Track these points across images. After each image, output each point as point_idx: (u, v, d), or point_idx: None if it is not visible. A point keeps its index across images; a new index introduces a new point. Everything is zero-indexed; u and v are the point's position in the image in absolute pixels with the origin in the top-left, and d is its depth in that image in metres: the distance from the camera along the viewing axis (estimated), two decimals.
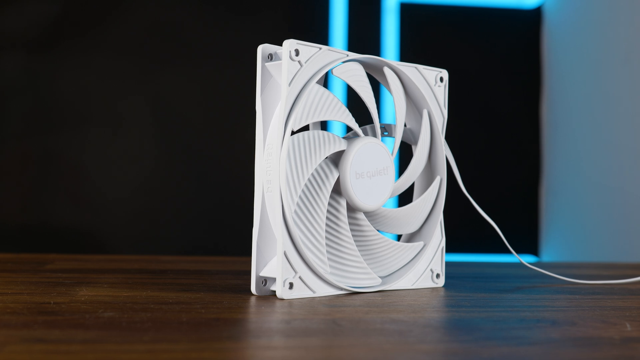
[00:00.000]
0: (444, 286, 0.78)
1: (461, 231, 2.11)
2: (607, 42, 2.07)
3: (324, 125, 0.74)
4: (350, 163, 0.70)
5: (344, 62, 0.71)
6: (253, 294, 0.68)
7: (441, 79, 0.79)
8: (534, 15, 2.50)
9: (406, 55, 2.43)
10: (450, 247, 2.29)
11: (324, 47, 0.69)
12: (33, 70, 2.28)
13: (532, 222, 2.51)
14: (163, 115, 2.31)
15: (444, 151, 0.79)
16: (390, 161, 0.73)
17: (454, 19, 2.49)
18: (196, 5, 2.36)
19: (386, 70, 0.74)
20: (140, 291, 0.68)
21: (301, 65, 0.67)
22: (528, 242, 2.51)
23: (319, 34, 2.40)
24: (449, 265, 1.01)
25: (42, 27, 2.28)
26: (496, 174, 2.47)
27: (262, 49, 0.68)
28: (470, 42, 2.49)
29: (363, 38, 2.44)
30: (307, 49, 0.67)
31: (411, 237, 0.79)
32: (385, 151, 0.72)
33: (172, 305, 0.60)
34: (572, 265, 1.24)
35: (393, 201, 2.06)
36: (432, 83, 0.78)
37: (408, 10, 2.46)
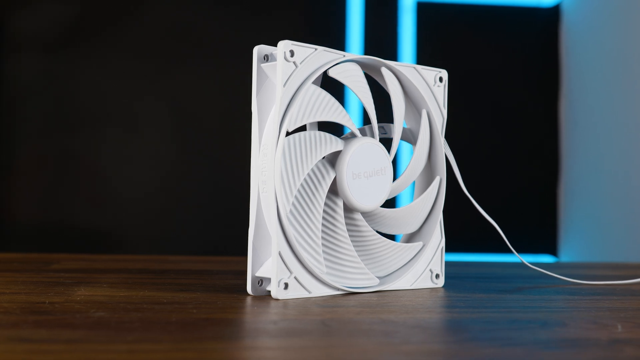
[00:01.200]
0: (443, 286, 0.78)
1: (479, 231, 2.10)
2: (626, 40, 2.05)
3: (328, 126, 0.73)
4: (346, 163, 0.70)
5: (340, 62, 0.71)
6: (249, 294, 0.68)
7: (440, 79, 0.78)
8: (552, 14, 2.49)
9: (423, 54, 2.43)
10: (467, 247, 2.25)
11: (319, 47, 0.69)
12: (50, 71, 2.30)
13: (550, 222, 2.49)
14: (179, 116, 2.32)
15: (444, 151, 0.79)
16: (388, 161, 0.73)
17: (472, 17, 2.48)
18: (212, 6, 2.37)
19: (384, 70, 0.74)
20: (138, 291, 0.69)
21: (296, 66, 0.67)
22: (546, 242, 2.49)
23: (335, 34, 2.40)
24: (456, 265, 1.00)
25: (59, 28, 2.30)
26: (514, 173, 2.46)
27: (258, 50, 0.69)
28: (487, 41, 2.48)
29: (380, 37, 2.44)
30: (303, 49, 0.68)
31: (411, 237, 0.79)
32: (382, 151, 0.72)
33: (166, 305, 0.61)
34: (586, 265, 1.23)
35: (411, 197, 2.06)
36: (431, 83, 0.77)
37: (425, 9, 2.46)
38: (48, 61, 2.31)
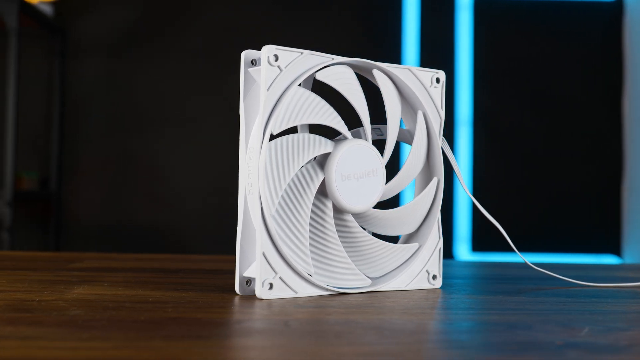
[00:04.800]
0: (441, 287, 0.78)
1: (531, 230, 2.08)
2: None
3: (325, 129, 0.74)
4: (335, 165, 0.70)
5: (329, 65, 0.72)
6: (238, 294, 0.69)
7: (437, 80, 0.78)
8: (615, 8, 2.43)
9: (480, 50, 2.41)
10: (518, 247, 2.23)
11: (306, 51, 0.70)
12: (112, 74, 2.37)
13: (613, 222, 2.44)
14: (236, 116, 2.36)
15: (443, 152, 0.79)
16: (380, 163, 0.73)
17: (530, 13, 2.44)
18: (267, 8, 2.40)
19: (376, 72, 0.74)
20: (133, 290, 0.71)
21: (281, 70, 0.68)
22: (610, 242, 2.44)
23: (392, 33, 2.40)
24: (475, 266, 1.00)
25: (119, 32, 2.37)
26: (575, 170, 2.42)
27: (245, 55, 0.70)
28: (548, 37, 2.44)
29: (436, 34, 2.43)
30: (287, 54, 0.69)
31: (409, 238, 0.79)
32: (374, 153, 0.73)
33: (147, 304, 0.63)
34: (608, 267, 1.20)
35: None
36: (427, 84, 0.77)
37: (483, 5, 2.43)
38: (109, 64, 2.38)
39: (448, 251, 2.42)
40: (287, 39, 2.37)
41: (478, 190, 2.38)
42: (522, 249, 2.32)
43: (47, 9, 2.29)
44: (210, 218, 2.36)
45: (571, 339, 0.51)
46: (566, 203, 2.41)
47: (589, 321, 0.59)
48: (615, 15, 2.41)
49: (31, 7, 2.16)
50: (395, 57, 2.40)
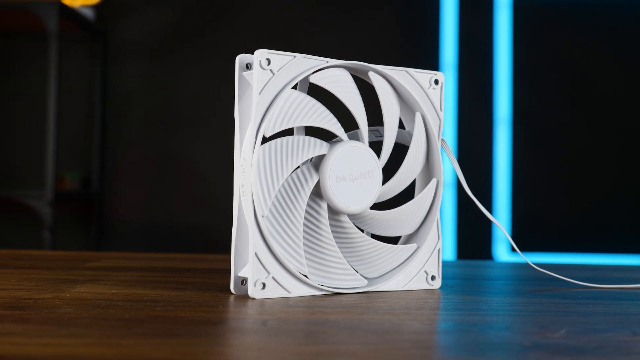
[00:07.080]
0: (441, 288, 0.78)
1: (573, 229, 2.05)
2: None
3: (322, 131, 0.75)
4: (330, 166, 0.71)
5: (322, 68, 0.73)
6: (233, 294, 0.71)
7: (436, 82, 0.78)
8: None
9: (519, 48, 2.39)
10: (564, 247, 2.19)
11: (299, 55, 0.71)
12: (151, 76, 2.41)
13: None
14: None
15: (443, 153, 0.79)
16: (376, 165, 0.74)
17: (570, 11, 2.41)
18: (305, 10, 2.41)
19: (371, 75, 0.75)
20: (133, 289, 0.73)
21: (273, 74, 0.69)
22: None
23: (430, 32, 2.40)
24: (497, 266, 1.00)
25: (160, 35, 2.41)
26: (617, 170, 2.38)
27: (240, 59, 0.72)
28: (588, 35, 2.41)
29: (475, 33, 2.42)
30: (280, 57, 0.70)
31: (409, 239, 0.79)
32: (370, 155, 0.73)
33: (139, 303, 0.64)
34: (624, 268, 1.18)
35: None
36: (425, 86, 0.78)
37: (521, 3, 2.42)
38: (150, 66, 2.42)
39: (487, 252, 2.40)
40: (325, 40, 2.39)
41: (517, 189, 2.37)
42: (562, 249, 2.29)
43: (88, 13, 2.34)
44: None
45: (542, 340, 0.51)
46: (608, 203, 2.38)
47: (571, 322, 0.58)
48: None
49: (72, 11, 2.21)
50: (433, 56, 2.39)
